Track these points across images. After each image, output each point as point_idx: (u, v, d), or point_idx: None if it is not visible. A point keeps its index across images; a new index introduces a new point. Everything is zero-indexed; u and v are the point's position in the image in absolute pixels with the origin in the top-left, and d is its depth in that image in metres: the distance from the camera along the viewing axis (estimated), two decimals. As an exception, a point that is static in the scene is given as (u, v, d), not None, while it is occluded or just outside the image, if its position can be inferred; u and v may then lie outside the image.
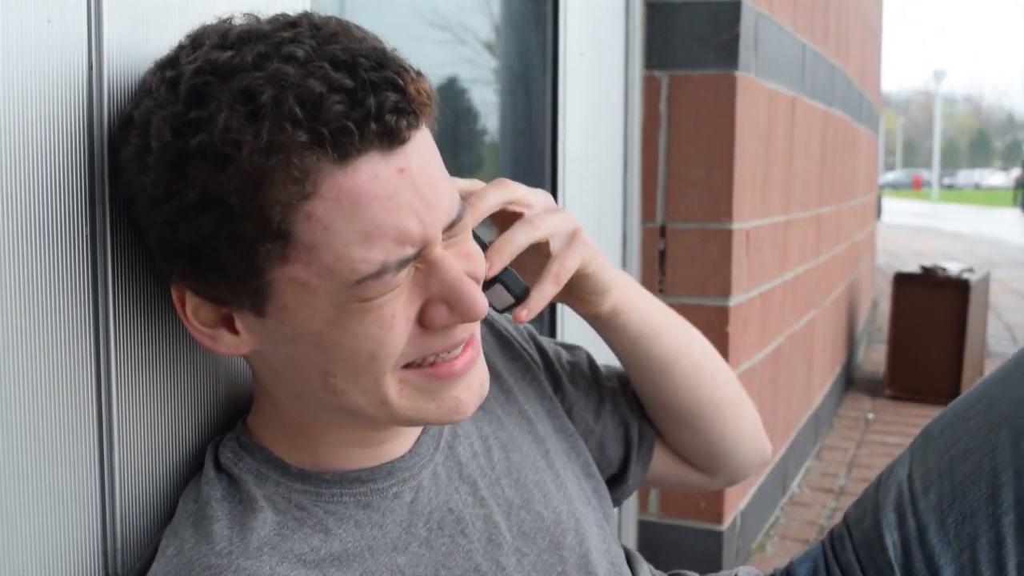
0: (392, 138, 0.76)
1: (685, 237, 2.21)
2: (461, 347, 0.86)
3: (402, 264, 0.78)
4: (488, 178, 1.02)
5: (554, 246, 0.99)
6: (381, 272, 0.77)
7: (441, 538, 0.91)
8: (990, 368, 4.87)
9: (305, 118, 0.73)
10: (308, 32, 0.77)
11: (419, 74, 0.79)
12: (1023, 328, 6.24)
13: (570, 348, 1.20)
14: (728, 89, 2.16)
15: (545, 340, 1.18)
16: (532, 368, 1.13)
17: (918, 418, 4.03)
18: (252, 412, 0.95)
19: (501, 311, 0.97)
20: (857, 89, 4.42)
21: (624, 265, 2.22)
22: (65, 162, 0.81)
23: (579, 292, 1.04)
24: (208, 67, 0.76)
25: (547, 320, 1.93)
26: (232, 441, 0.92)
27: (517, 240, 0.95)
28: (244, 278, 0.78)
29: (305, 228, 0.75)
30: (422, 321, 0.82)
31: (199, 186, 0.74)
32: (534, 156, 1.95)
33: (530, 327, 1.18)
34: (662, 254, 2.23)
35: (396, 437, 0.93)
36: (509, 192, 0.99)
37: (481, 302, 0.82)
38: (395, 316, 0.80)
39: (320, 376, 0.82)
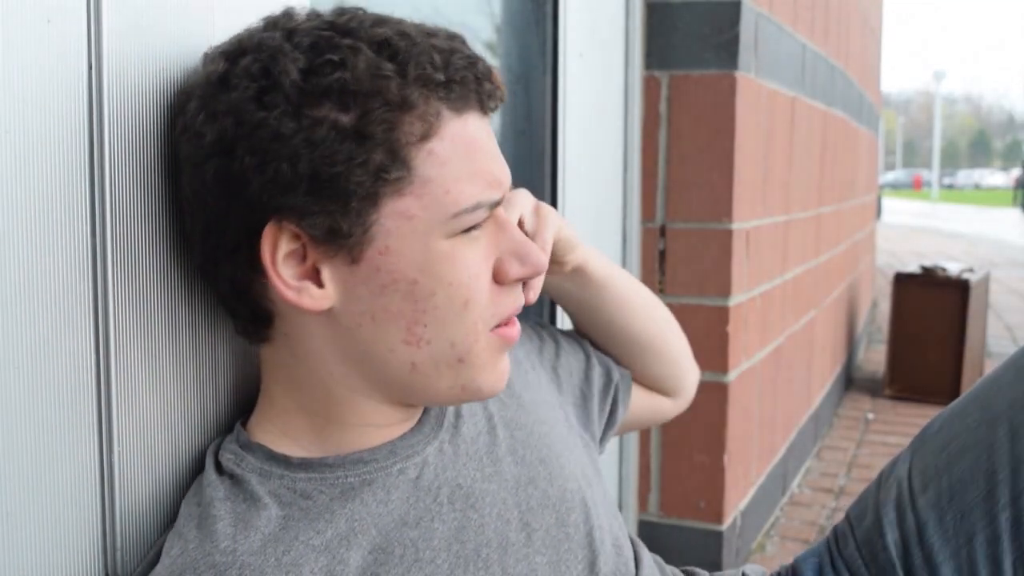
0: (491, 103, 0.89)
1: (685, 237, 2.21)
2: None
3: (491, 206, 0.88)
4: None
5: (528, 224, 1.07)
6: (476, 207, 0.87)
7: (452, 512, 0.92)
8: (990, 368, 4.86)
9: (441, 65, 0.84)
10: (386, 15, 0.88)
11: None
12: (1023, 328, 6.24)
13: (542, 323, 1.29)
14: (728, 89, 2.16)
15: (530, 321, 1.25)
16: (532, 354, 1.17)
17: (918, 418, 4.03)
18: (255, 412, 0.96)
19: None
20: (857, 89, 4.42)
21: (624, 265, 2.22)
22: (65, 162, 0.82)
23: (555, 257, 1.13)
24: (326, 26, 0.85)
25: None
26: (232, 443, 0.93)
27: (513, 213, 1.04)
28: (362, 208, 0.83)
29: (426, 163, 0.84)
30: (496, 278, 0.91)
31: (333, 121, 0.81)
32: (534, 156, 1.95)
33: None
34: (662, 254, 2.23)
35: (405, 420, 0.96)
36: None
37: (545, 256, 0.95)
38: (479, 266, 0.89)
39: (406, 327, 0.87)
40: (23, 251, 0.79)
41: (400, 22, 0.86)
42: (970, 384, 4.37)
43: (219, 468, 0.91)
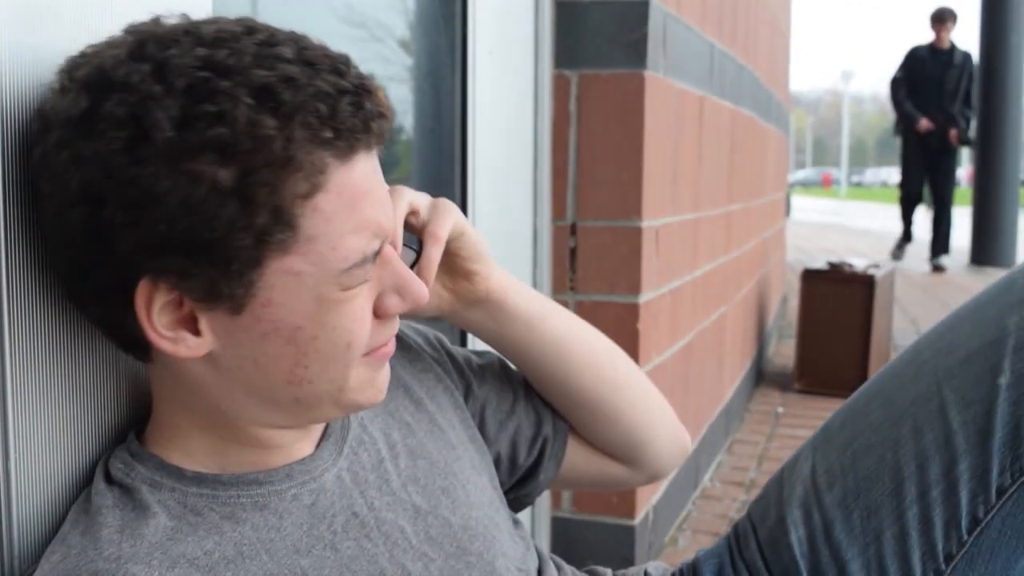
0: (379, 139, 0.84)
1: (595, 235, 2.23)
2: None
3: (375, 255, 0.86)
4: (402, 176, 1.03)
5: (423, 214, 1.03)
6: (363, 261, 0.84)
7: (346, 541, 0.91)
8: (895, 361, 4.91)
9: (327, 116, 0.78)
10: (268, 35, 0.81)
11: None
12: (928, 322, 6.36)
13: (480, 353, 1.21)
14: (637, 88, 2.18)
15: (456, 348, 1.19)
16: (443, 379, 1.13)
17: (827, 411, 4.07)
18: (150, 423, 0.94)
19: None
20: (765, 89, 4.49)
21: (535, 263, 2.23)
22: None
23: (462, 260, 1.06)
24: (202, 64, 0.77)
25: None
26: (123, 452, 0.92)
27: (399, 207, 0.99)
28: (244, 270, 0.80)
29: (310, 220, 0.80)
30: (376, 312, 0.89)
31: (212, 179, 0.76)
32: (443, 154, 1.95)
33: (440, 335, 1.18)
34: (573, 252, 2.25)
35: (303, 439, 0.95)
36: None
37: (425, 288, 0.91)
38: (364, 309, 0.87)
39: (288, 369, 0.86)
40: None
41: (283, 55, 0.79)
42: (876, 377, 4.48)
43: (108, 477, 0.90)
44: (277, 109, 0.76)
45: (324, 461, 0.95)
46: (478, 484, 1.06)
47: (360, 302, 0.86)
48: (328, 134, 0.78)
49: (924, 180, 9.59)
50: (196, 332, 0.83)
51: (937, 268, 9.42)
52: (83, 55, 0.82)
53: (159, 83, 0.76)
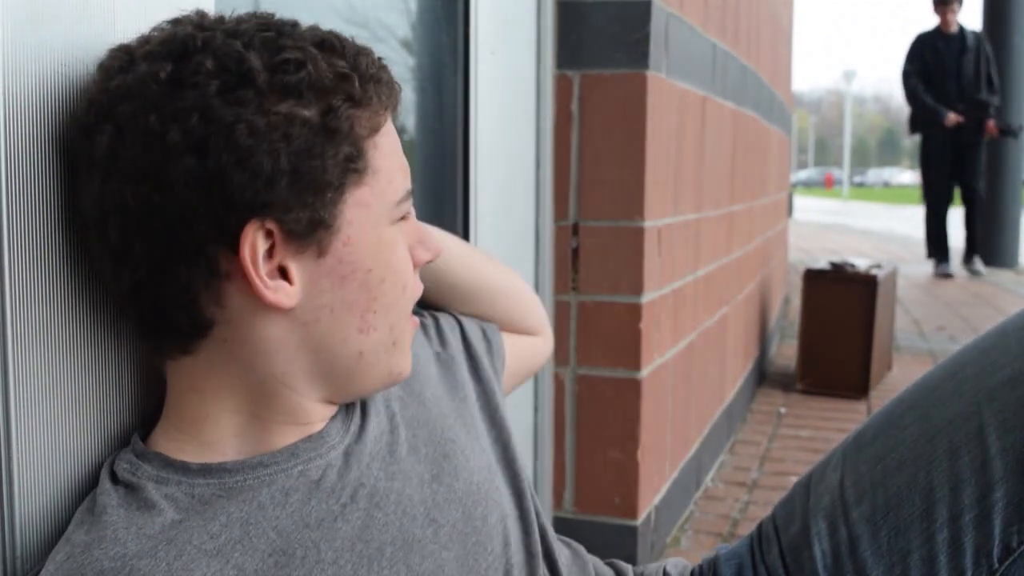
0: (398, 106, 0.97)
1: (598, 235, 2.23)
2: None
3: (411, 192, 0.98)
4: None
5: None
6: (407, 195, 0.97)
7: (356, 512, 0.93)
8: (898, 362, 4.91)
9: (379, 66, 0.93)
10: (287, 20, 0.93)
11: None
12: (930, 322, 6.39)
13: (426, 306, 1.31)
14: (639, 88, 2.18)
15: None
16: (425, 346, 1.19)
17: (829, 412, 4.10)
18: (160, 422, 0.95)
19: None
20: (768, 89, 4.48)
21: (537, 263, 2.23)
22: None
23: None
24: (264, 27, 0.88)
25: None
26: (128, 453, 0.92)
27: None
28: (335, 199, 0.89)
29: (375, 155, 0.92)
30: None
31: (301, 116, 0.85)
32: (446, 155, 1.95)
33: None
34: (575, 252, 2.24)
35: (324, 418, 0.98)
36: None
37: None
38: (407, 253, 0.98)
39: (360, 315, 0.94)
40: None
41: (315, 26, 0.92)
42: (879, 377, 4.49)
43: (114, 478, 0.90)
44: (343, 54, 0.89)
45: (332, 438, 0.97)
46: (475, 449, 1.09)
47: (402, 243, 0.97)
48: (385, 77, 0.92)
49: (950, 179, 8.69)
50: (289, 282, 0.89)
51: (974, 272, 8.67)
52: (122, 47, 0.88)
53: (237, 40, 0.86)
